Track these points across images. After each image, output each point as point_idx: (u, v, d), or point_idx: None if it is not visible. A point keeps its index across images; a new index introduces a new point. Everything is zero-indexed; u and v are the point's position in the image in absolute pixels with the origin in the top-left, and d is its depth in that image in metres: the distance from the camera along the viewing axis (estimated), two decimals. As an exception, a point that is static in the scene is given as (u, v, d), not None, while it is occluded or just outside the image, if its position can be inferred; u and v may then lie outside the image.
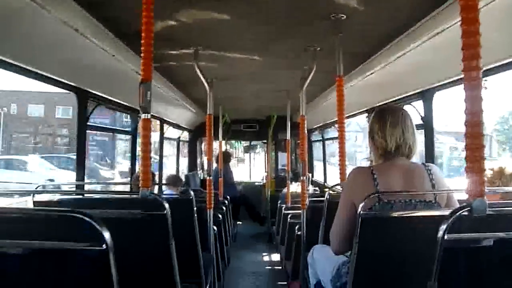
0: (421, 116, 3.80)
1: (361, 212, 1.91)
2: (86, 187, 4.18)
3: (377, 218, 1.97)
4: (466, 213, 1.36)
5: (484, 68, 1.46)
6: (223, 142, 8.19)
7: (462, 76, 1.40)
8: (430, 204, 2.13)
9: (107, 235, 1.35)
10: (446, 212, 1.38)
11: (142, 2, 2.19)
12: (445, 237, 1.32)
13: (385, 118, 2.28)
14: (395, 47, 3.22)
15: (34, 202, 2.76)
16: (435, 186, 2.16)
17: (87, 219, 1.35)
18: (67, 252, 1.39)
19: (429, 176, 2.18)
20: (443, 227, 1.32)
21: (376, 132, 2.30)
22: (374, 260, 1.97)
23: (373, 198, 2.07)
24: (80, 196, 3.44)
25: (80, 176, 3.74)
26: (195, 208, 3.09)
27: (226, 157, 9.00)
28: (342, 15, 2.83)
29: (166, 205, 2.18)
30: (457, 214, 1.34)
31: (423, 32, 2.75)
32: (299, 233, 4.04)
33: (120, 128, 5.16)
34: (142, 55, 2.15)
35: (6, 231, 1.46)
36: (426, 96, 3.71)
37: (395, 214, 2.01)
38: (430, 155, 3.66)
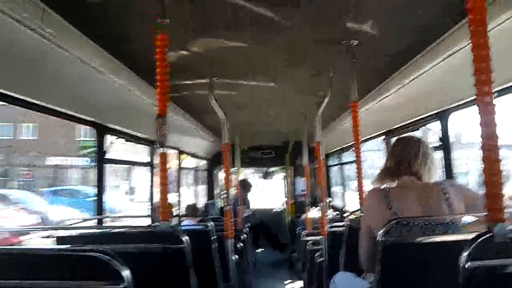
0: (439, 137, 3.77)
1: (381, 239, 1.90)
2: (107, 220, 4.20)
3: (397, 243, 1.94)
4: (487, 239, 1.34)
5: (498, 88, 1.47)
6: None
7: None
8: (449, 225, 2.12)
9: (126, 273, 1.36)
10: (468, 237, 1.36)
11: (157, 39, 2.24)
12: (467, 264, 1.30)
13: (396, 144, 2.52)
14: (408, 70, 3.22)
15: (57, 237, 2.79)
16: (451, 205, 2.16)
17: (106, 258, 1.36)
18: None
19: (444, 195, 2.19)
20: (465, 254, 1.30)
21: (388, 156, 2.50)
22: (397, 285, 1.94)
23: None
24: (101, 230, 3.46)
25: (100, 210, 3.77)
26: (213, 238, 3.08)
27: (246, 186, 9.00)
28: (354, 40, 2.85)
29: (185, 239, 2.18)
30: (479, 240, 1.32)
31: (436, 54, 2.75)
32: (320, 260, 4.00)
33: (138, 161, 5.19)
34: (157, 90, 2.19)
35: (28, 271, 1.48)
36: (442, 117, 3.68)
37: (416, 240, 1.99)
38: (449, 175, 3.61)
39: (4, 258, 1.56)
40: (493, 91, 1.37)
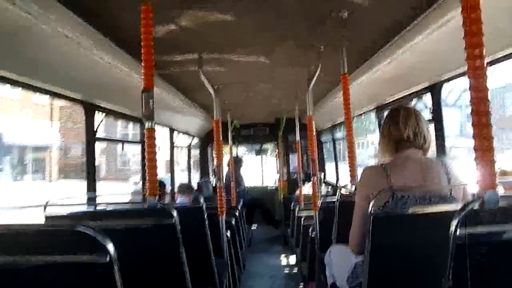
0: (430, 110, 3.75)
1: (373, 210, 1.88)
2: (98, 199, 4.18)
3: (389, 216, 1.93)
4: (478, 206, 1.32)
5: (491, 59, 1.43)
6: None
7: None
8: (446, 198, 2.09)
9: (110, 247, 1.34)
10: (459, 207, 1.34)
11: (141, 11, 2.19)
12: (458, 232, 1.28)
13: (398, 113, 2.32)
14: (400, 41, 3.18)
15: (46, 216, 2.76)
16: (451, 181, 2.13)
17: (89, 232, 1.34)
18: (71, 266, 1.37)
19: (445, 170, 2.15)
20: (455, 222, 1.28)
21: (390, 126, 2.32)
22: (388, 258, 1.93)
23: (386, 194, 2.05)
24: (92, 209, 3.45)
25: (91, 188, 3.75)
26: (205, 215, 3.08)
27: (237, 162, 8.99)
28: (345, 11, 2.80)
29: (175, 213, 2.16)
30: (469, 207, 1.30)
31: (428, 24, 2.71)
32: (313, 234, 4.02)
33: (129, 140, 5.13)
34: (142, 64, 2.14)
35: (13, 246, 1.45)
36: (434, 89, 3.65)
37: (407, 211, 1.97)
38: (441, 149, 3.60)
39: None
40: (484, 56, 1.33)
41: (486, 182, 1.32)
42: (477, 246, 1.33)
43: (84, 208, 3.37)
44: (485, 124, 1.33)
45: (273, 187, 10.12)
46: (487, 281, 1.36)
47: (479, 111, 1.33)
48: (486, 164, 1.33)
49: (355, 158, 3.31)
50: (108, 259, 1.33)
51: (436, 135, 3.62)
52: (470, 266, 1.30)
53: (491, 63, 2.48)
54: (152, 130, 2.16)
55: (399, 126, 2.26)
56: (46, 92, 3.07)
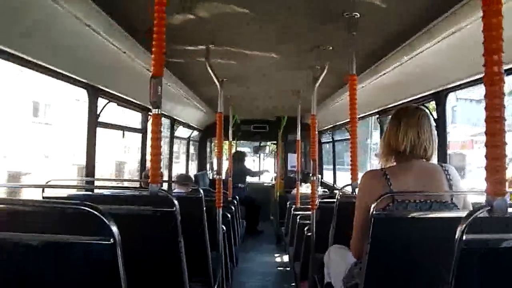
0: (434, 117, 3.74)
1: (374, 212, 1.87)
2: (96, 183, 4.16)
3: (390, 218, 1.93)
4: (485, 213, 1.31)
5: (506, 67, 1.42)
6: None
7: (477, 77, 1.36)
8: (446, 204, 2.08)
9: (114, 229, 1.33)
10: (464, 213, 1.33)
11: None
12: (464, 237, 1.27)
13: (401, 118, 2.24)
14: (408, 47, 3.17)
15: (43, 197, 2.75)
16: (452, 187, 2.11)
17: (94, 212, 1.33)
18: (74, 245, 1.37)
19: (446, 176, 2.13)
20: (461, 227, 1.27)
21: (390, 132, 2.26)
22: (386, 261, 1.93)
23: (387, 198, 2.03)
24: (90, 192, 3.44)
25: (90, 172, 3.74)
26: (204, 206, 3.07)
27: (241, 156, 9.00)
28: (356, 13, 2.80)
29: (176, 202, 2.15)
30: (476, 213, 1.29)
31: (438, 31, 2.70)
32: (308, 234, 4.01)
33: (131, 126, 5.13)
34: (153, 49, 2.13)
35: (14, 223, 1.44)
36: (439, 97, 3.65)
37: (409, 214, 1.97)
38: (443, 157, 3.60)
39: None
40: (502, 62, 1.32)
41: (495, 189, 1.31)
42: (482, 252, 1.33)
43: (82, 192, 3.36)
44: (499, 131, 1.32)
45: (270, 184, 10.12)
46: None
47: (494, 117, 1.32)
48: (497, 171, 1.32)
49: (357, 160, 3.30)
50: (112, 240, 1.32)
51: (438, 142, 3.62)
52: (474, 272, 1.30)
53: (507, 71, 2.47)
54: (158, 116, 2.15)
55: (398, 137, 2.20)
56: (49, 72, 3.03)
